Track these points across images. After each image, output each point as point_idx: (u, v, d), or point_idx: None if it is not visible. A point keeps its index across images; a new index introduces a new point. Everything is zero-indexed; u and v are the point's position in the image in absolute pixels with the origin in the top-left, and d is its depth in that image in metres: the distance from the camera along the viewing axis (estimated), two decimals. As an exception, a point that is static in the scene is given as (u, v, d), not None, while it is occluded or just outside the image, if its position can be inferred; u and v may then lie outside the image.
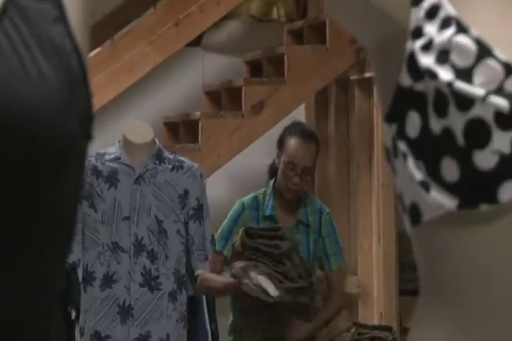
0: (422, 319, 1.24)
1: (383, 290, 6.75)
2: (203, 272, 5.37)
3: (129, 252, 5.12)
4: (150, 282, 5.13)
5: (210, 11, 7.33)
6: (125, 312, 5.13)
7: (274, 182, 5.61)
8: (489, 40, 1.15)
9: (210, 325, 5.59)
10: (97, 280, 5.11)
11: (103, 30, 6.71)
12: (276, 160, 5.63)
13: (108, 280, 5.14)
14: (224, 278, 5.44)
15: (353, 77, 7.15)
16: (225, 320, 5.71)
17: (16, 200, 1.01)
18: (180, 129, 7.24)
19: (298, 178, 5.46)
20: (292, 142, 5.55)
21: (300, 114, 7.46)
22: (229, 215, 5.60)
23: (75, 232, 1.22)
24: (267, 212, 5.55)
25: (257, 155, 7.02)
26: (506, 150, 1.09)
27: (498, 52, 1.12)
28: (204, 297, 5.54)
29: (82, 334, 5.17)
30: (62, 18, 1.07)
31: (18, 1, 1.05)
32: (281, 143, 5.62)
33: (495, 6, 1.19)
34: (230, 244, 5.46)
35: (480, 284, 1.16)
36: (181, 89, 7.76)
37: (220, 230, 5.56)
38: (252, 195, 5.67)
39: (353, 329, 5.61)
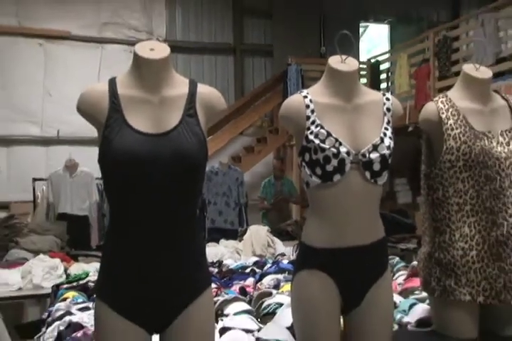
0: (309, 217, 1.36)
1: (295, 206, 6.70)
2: (259, 204, 5.66)
3: (220, 195, 5.41)
4: (227, 204, 5.44)
5: (245, 122, 7.53)
6: (219, 213, 5.34)
7: (274, 174, 5.85)
8: (331, 130, 1.28)
9: (245, 216, 5.63)
10: (211, 204, 5.36)
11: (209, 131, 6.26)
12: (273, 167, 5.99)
13: (215, 203, 5.30)
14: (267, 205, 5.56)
15: (287, 144, 7.22)
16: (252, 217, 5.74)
17: (193, 184, 1.16)
18: (235, 159, 7.13)
19: (280, 172, 5.82)
20: (275, 162, 6.02)
21: (271, 155, 7.27)
22: (262, 185, 5.76)
23: (202, 190, 1.16)
24: (272, 182, 5.69)
25: (259, 168, 7.14)
26: (335, 164, 1.26)
27: (333, 134, 1.27)
28: (243, 208, 5.59)
29: (207, 219, 5.36)
30: (198, 123, 1.18)
31: (185, 119, 1.16)
32: (274, 162, 6.06)
33: (330, 117, 1.31)
34: (263, 193, 5.69)
35: (326, 207, 1.29)
36: (235, 147, 7.60)
37: (261, 189, 5.74)
38: (268, 178, 5.85)
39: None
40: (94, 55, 7.35)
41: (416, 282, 1.77)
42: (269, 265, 2.56)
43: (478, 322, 1.43)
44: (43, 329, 1.60)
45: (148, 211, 1.13)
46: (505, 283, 1.38)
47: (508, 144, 1.41)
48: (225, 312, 1.62)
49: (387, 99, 1.40)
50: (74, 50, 7.30)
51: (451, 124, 1.42)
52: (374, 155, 1.30)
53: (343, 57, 1.36)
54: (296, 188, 5.98)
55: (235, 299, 1.72)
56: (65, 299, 1.88)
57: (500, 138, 1.42)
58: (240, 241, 3.75)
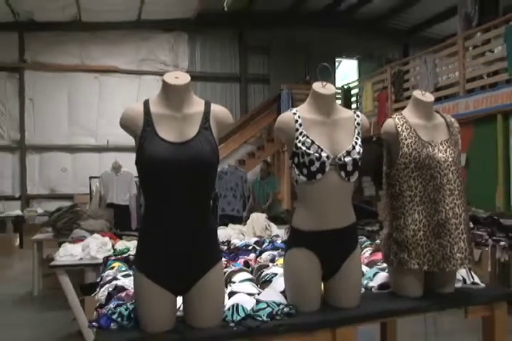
0: (298, 206, 1.31)
1: (287, 197, 6.65)
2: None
3: (229, 190, 5.22)
4: (234, 196, 5.25)
5: (248, 133, 7.39)
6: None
7: (261, 174, 5.53)
8: (314, 139, 1.24)
9: (248, 204, 5.35)
10: (222, 196, 5.20)
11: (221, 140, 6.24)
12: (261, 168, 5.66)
13: (225, 196, 5.25)
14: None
15: (280, 150, 7.06)
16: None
17: (207, 181, 1.13)
18: (241, 162, 7.05)
19: (265, 173, 5.49)
20: (262, 164, 5.67)
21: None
22: (252, 182, 5.50)
23: (215, 185, 1.07)
24: (259, 179, 5.44)
25: (259, 169, 6.26)
26: (318, 166, 1.19)
27: (316, 142, 1.23)
28: (247, 200, 5.32)
29: (218, 208, 5.19)
30: (212, 134, 1.14)
31: (202, 131, 1.13)
32: (261, 165, 5.67)
33: (316, 129, 1.26)
34: (252, 188, 5.37)
35: (310, 199, 1.25)
36: (240, 153, 7.46)
37: (250, 184, 5.45)
38: (255, 177, 5.67)
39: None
40: (135, 84, 7.75)
41: (379, 256, 1.75)
42: (266, 244, 2.50)
43: (423, 284, 1.45)
44: (98, 290, 1.58)
45: (173, 202, 1.11)
46: (443, 255, 1.38)
47: (445, 151, 1.42)
48: (233, 280, 1.59)
49: (358, 116, 1.38)
50: (120, 80, 7.73)
51: (405, 135, 1.42)
52: (347, 159, 1.28)
53: (324, 83, 1.36)
54: (275, 187, 5.63)
55: (240, 270, 1.69)
56: (112, 268, 1.83)
57: (440, 147, 1.42)
58: (244, 225, 3.69)
